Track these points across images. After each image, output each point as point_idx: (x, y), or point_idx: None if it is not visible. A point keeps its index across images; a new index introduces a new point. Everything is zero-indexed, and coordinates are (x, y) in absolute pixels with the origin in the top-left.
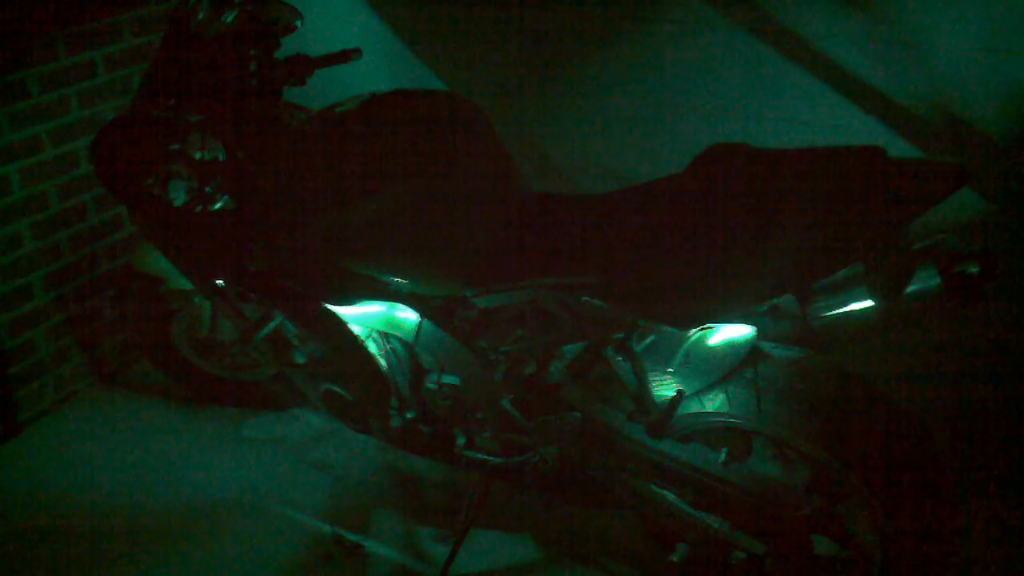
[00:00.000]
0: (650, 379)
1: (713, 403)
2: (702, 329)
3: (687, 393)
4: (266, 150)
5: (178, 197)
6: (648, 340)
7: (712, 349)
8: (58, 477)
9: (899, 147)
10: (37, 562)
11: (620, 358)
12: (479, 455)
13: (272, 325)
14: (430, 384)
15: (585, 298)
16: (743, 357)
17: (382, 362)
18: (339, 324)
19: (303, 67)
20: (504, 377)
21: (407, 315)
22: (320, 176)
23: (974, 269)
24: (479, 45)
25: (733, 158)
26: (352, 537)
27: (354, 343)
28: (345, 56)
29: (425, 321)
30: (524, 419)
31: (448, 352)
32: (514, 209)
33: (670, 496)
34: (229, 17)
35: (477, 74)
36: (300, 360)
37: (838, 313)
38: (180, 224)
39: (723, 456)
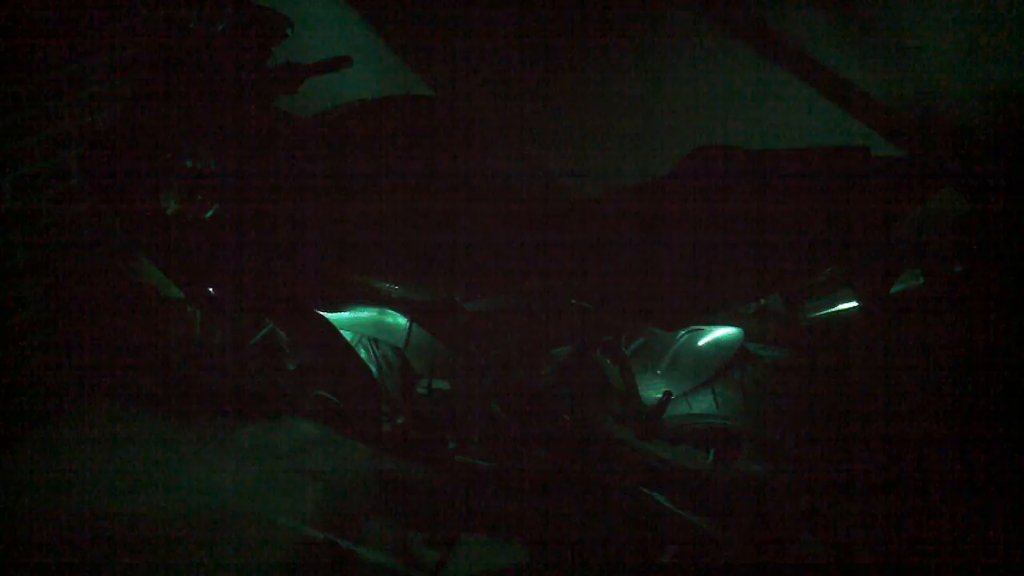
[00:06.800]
0: (639, 381)
1: (701, 404)
2: (690, 331)
3: (675, 395)
4: (256, 158)
5: (169, 206)
6: (637, 342)
7: (700, 351)
8: (51, 487)
9: (885, 148)
10: (32, 572)
11: (609, 360)
12: (469, 459)
13: (263, 332)
14: (420, 389)
15: (574, 301)
16: (730, 358)
17: (373, 368)
18: (330, 330)
19: (293, 75)
20: (494, 381)
21: (397, 320)
22: (310, 183)
23: (958, 269)
24: (469, 53)
25: (720, 159)
26: (343, 543)
27: (345, 349)
28: (335, 64)
29: (415, 326)
30: (514, 423)
31: (438, 357)
32: (504, 213)
33: (659, 497)
34: (219, 26)
35: (466, 82)
36: (291, 367)
37: (824, 314)
38: (171, 233)
39: (711, 457)
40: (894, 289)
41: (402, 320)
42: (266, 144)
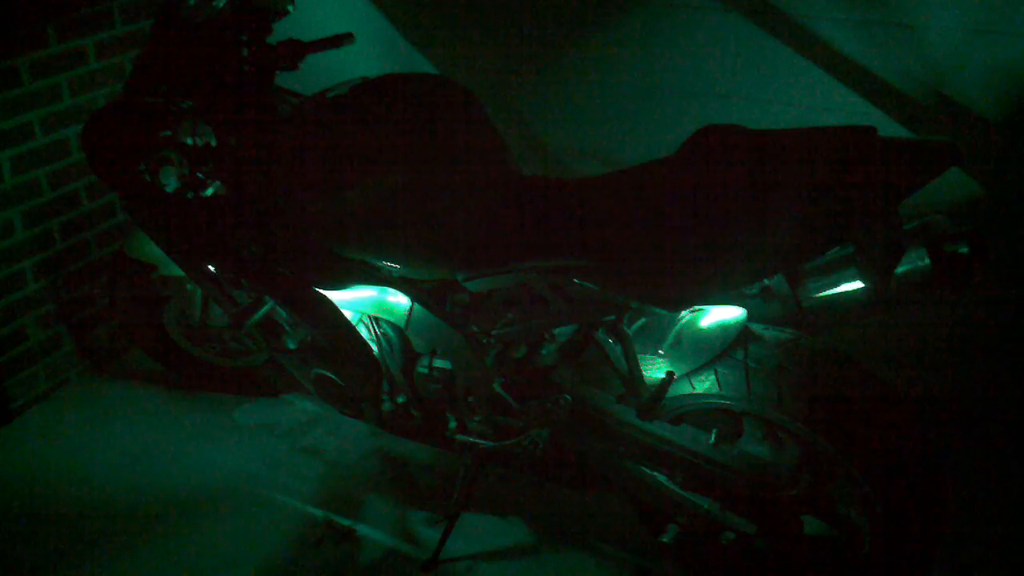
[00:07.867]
0: (641, 361)
1: (703, 384)
2: (693, 311)
3: (677, 375)
4: (258, 135)
5: (169, 183)
6: (639, 322)
7: (702, 330)
8: (51, 464)
9: (891, 128)
10: (32, 547)
11: (611, 340)
12: (470, 439)
13: (263, 311)
14: (421, 368)
15: (576, 280)
16: (733, 338)
17: (373, 346)
18: (331, 309)
19: (295, 52)
20: (495, 360)
21: (398, 299)
22: (312, 161)
23: (964, 250)
24: (472, 30)
25: (725, 138)
26: (344, 521)
27: (345, 328)
28: (337, 41)
29: (416, 305)
30: (515, 402)
31: (439, 336)
32: (506, 192)
33: (661, 477)
34: (220, 2)
35: (469, 59)
36: (291, 345)
37: (828, 294)
38: (171, 211)
39: (713, 437)
40: (899, 270)
41: (403, 299)
42: (267, 121)
